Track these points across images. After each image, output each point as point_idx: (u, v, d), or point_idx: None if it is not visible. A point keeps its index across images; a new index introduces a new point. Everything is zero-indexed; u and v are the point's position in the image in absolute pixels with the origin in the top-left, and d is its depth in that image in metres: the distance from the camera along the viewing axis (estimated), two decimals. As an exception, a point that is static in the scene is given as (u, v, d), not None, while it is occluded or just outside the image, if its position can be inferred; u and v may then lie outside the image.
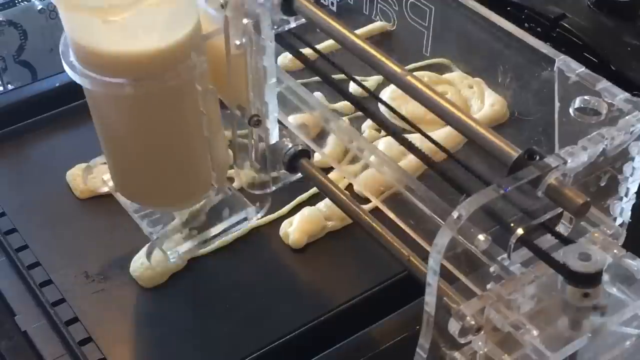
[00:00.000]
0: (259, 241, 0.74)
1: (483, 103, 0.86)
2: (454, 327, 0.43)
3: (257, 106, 0.60)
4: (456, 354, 0.45)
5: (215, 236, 0.66)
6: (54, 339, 0.67)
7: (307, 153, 0.63)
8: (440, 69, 0.89)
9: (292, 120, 0.63)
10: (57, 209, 0.78)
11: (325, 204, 0.75)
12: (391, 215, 0.55)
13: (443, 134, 0.81)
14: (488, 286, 0.45)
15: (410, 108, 0.84)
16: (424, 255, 0.47)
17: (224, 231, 0.66)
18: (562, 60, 0.52)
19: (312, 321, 0.67)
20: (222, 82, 0.59)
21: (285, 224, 0.75)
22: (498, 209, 0.43)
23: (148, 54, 0.54)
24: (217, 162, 0.62)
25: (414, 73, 0.86)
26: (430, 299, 0.44)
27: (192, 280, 0.71)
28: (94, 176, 0.79)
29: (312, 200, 0.77)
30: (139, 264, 0.72)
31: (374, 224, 0.58)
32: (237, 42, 0.56)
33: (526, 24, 0.90)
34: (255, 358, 0.65)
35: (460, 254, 0.44)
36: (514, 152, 0.47)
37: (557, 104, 0.51)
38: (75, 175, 0.80)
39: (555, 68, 0.52)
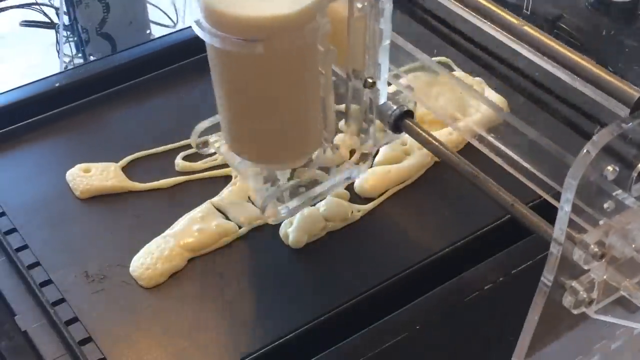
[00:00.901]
0: (259, 241, 0.74)
1: (483, 102, 0.86)
2: (578, 255, 0.48)
3: (371, 68, 0.64)
4: (574, 284, 0.49)
5: (320, 194, 0.69)
6: (54, 339, 0.67)
7: (411, 113, 0.66)
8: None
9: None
10: (57, 209, 0.78)
11: (325, 204, 0.76)
12: (499, 160, 0.59)
13: (445, 133, 0.82)
14: (601, 221, 0.48)
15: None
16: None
17: (329, 189, 0.69)
18: None
19: (312, 321, 0.67)
20: (337, 46, 0.62)
21: (285, 224, 0.75)
22: (616, 146, 0.47)
23: (279, 18, 0.58)
24: (328, 122, 0.65)
25: (413, 74, 0.88)
26: (559, 232, 0.48)
27: (192, 280, 0.71)
28: (91, 174, 0.80)
29: (312, 201, 0.77)
30: (139, 263, 0.72)
31: (477, 174, 0.61)
32: (359, 5, 0.60)
33: (524, 25, 0.90)
34: (255, 358, 0.65)
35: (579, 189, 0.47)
36: (635, 93, 0.51)
37: None
38: (75, 175, 0.80)
39: None
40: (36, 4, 1.52)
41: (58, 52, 1.43)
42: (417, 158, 0.80)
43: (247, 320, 0.68)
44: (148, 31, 1.40)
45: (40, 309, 0.69)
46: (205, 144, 0.71)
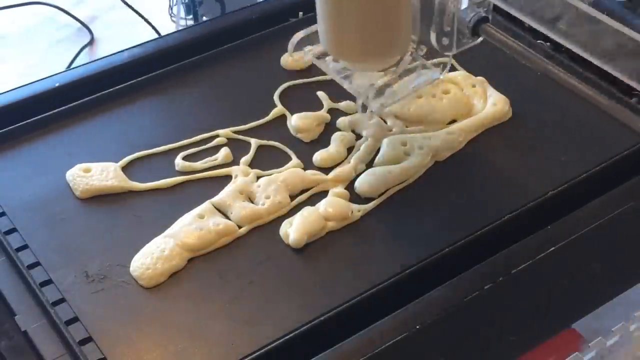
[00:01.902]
0: (259, 241, 0.74)
1: (486, 102, 0.86)
2: None
3: None
4: None
5: (405, 94, 0.77)
6: (54, 338, 0.67)
7: (487, 19, 0.71)
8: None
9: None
10: (57, 209, 0.78)
11: (325, 204, 0.76)
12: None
13: (444, 134, 0.82)
14: None
15: (414, 108, 0.85)
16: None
17: (413, 89, 0.77)
18: None
19: (312, 321, 0.67)
20: None
21: (285, 224, 0.75)
22: None
23: None
24: (415, 26, 0.73)
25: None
26: None
27: (192, 280, 0.71)
28: (91, 174, 0.80)
29: (312, 200, 0.77)
30: (139, 263, 0.72)
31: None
32: None
33: (526, 24, 0.90)
34: (255, 358, 0.65)
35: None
36: None
37: None
38: (75, 175, 0.80)
39: None
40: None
41: (171, 15, 1.44)
42: (417, 158, 0.80)
43: (247, 320, 0.68)
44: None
45: (40, 308, 0.69)
46: (301, 53, 0.78)
